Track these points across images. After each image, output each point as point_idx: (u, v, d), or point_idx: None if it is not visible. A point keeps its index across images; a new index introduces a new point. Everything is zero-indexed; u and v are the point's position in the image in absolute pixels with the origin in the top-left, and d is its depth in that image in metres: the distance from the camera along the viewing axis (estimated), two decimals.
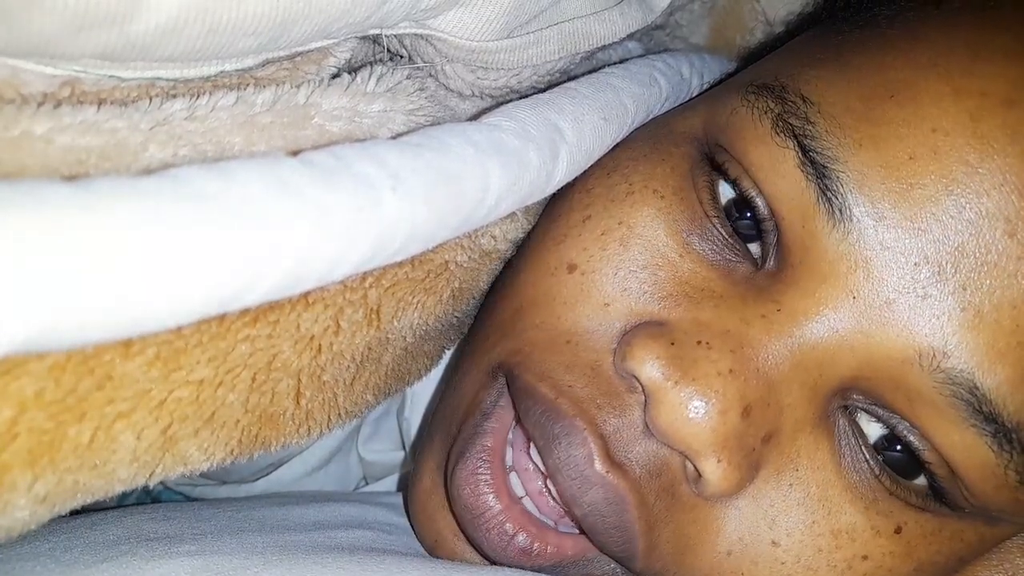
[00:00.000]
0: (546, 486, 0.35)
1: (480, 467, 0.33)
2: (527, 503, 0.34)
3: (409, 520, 0.39)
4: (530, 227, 0.39)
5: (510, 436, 0.35)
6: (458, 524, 0.34)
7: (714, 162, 0.34)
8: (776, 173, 0.31)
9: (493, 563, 0.34)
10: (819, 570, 0.31)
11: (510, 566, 0.34)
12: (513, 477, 0.35)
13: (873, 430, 0.32)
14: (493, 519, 0.33)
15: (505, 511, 0.33)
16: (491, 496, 0.33)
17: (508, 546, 0.33)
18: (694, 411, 0.30)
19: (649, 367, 0.30)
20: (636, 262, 0.33)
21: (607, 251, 0.34)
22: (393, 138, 0.28)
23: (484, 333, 0.37)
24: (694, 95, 0.42)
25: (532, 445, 0.34)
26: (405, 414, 0.50)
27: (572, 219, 0.35)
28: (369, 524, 0.39)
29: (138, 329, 0.21)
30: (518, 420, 0.34)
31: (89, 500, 0.27)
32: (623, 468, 0.31)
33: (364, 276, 0.31)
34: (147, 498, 0.54)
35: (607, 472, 0.31)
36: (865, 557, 0.32)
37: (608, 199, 0.35)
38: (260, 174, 0.23)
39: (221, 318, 0.27)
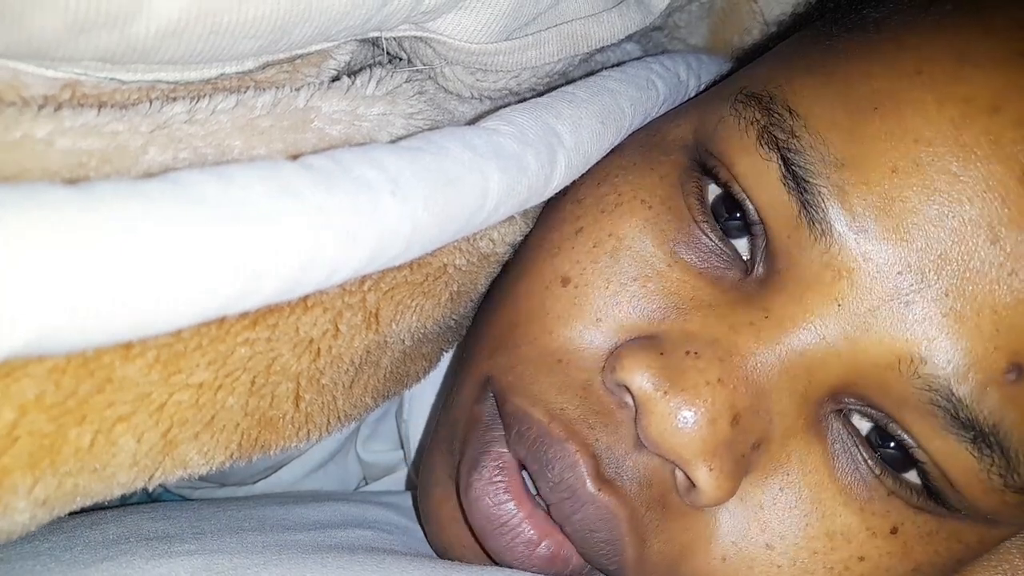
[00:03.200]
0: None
1: (496, 475, 0.33)
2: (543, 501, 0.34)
3: (422, 527, 0.39)
4: (528, 230, 0.39)
5: None
6: (475, 536, 0.34)
7: (704, 167, 0.34)
8: (760, 184, 0.32)
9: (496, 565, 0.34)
10: (816, 572, 0.32)
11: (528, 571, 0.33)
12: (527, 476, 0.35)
13: (865, 426, 0.32)
14: (517, 527, 0.33)
15: (528, 518, 0.33)
16: (511, 504, 0.33)
17: (532, 555, 0.33)
18: (683, 421, 0.30)
19: (638, 378, 0.30)
20: (626, 274, 0.34)
21: (599, 264, 0.34)
22: (392, 142, 0.28)
23: (479, 343, 0.37)
24: (691, 97, 0.42)
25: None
26: (404, 416, 0.50)
27: (565, 231, 0.35)
28: (369, 524, 0.39)
29: (138, 332, 0.21)
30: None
31: (89, 503, 0.27)
32: (614, 484, 0.32)
33: (363, 280, 0.31)
34: (147, 501, 0.54)
35: (598, 490, 0.31)
36: (861, 558, 0.32)
37: (598, 210, 0.35)
38: (260, 177, 0.23)
39: (220, 321, 0.27)
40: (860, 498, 0.32)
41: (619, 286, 0.33)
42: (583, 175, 0.35)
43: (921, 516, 0.32)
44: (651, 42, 0.50)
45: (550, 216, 0.37)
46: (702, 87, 0.43)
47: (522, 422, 0.33)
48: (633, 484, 0.32)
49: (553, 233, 0.36)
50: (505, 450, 0.34)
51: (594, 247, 0.34)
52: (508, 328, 0.35)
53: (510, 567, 0.33)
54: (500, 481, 0.33)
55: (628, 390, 0.31)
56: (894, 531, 0.32)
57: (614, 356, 0.32)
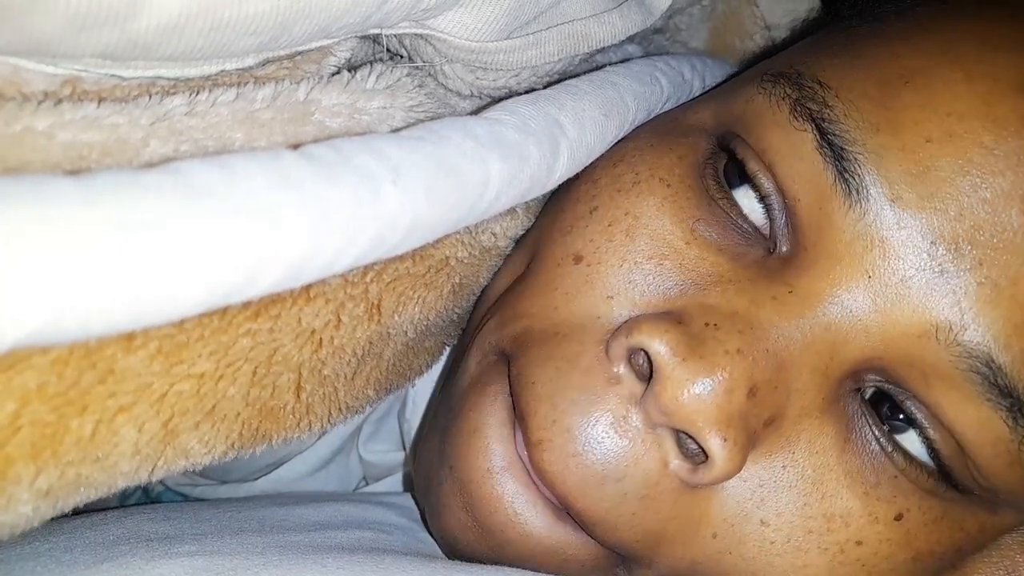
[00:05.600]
0: None
1: (494, 444, 0.33)
2: None
3: (424, 522, 0.39)
4: (530, 224, 0.39)
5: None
6: (475, 519, 0.34)
7: (725, 148, 0.34)
8: (794, 156, 0.32)
9: (496, 563, 0.34)
10: (809, 552, 0.31)
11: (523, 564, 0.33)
12: None
13: (880, 403, 0.32)
14: (513, 497, 0.33)
15: (525, 488, 0.33)
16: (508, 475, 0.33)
17: (534, 518, 0.33)
18: (700, 387, 0.29)
19: (657, 342, 0.30)
20: (642, 253, 0.33)
21: (613, 242, 0.34)
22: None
23: (484, 317, 0.37)
24: (696, 97, 0.43)
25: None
26: (407, 415, 0.50)
27: (579, 210, 0.35)
28: (369, 524, 0.39)
29: (140, 322, 0.21)
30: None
31: (92, 495, 0.27)
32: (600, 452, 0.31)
33: (365, 271, 0.31)
34: (147, 499, 0.54)
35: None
36: (859, 543, 0.31)
37: (615, 189, 0.35)
38: (261, 167, 0.23)
39: (223, 312, 0.27)
40: (867, 482, 0.31)
41: (633, 264, 0.33)
42: (597, 158, 0.35)
43: (928, 501, 0.32)
44: (652, 45, 0.50)
45: (562, 198, 0.37)
46: (707, 88, 0.44)
47: (517, 384, 0.33)
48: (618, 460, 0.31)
49: (566, 213, 0.36)
50: (495, 420, 0.34)
51: (609, 226, 0.34)
52: (514, 301, 0.35)
53: (508, 556, 0.33)
54: (497, 450, 0.33)
55: (646, 354, 0.31)
56: (899, 518, 0.32)
57: (630, 323, 0.32)
